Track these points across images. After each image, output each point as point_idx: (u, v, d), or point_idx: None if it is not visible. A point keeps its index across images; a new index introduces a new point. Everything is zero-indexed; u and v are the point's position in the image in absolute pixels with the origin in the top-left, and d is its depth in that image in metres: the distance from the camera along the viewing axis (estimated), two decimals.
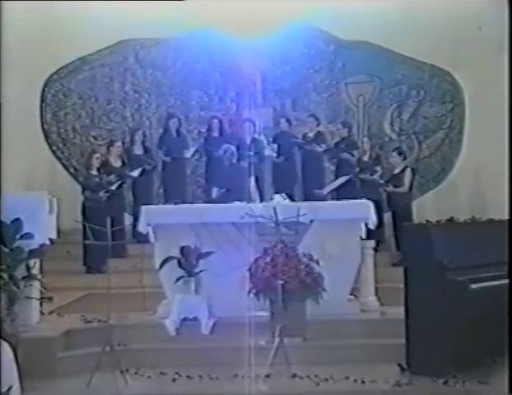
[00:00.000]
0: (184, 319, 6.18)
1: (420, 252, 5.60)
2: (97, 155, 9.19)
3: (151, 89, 10.41)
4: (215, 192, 8.84)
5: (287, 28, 10.17)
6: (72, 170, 10.31)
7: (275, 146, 9.76)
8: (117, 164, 9.36)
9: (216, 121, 9.96)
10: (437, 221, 5.83)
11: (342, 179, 9.35)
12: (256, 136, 9.73)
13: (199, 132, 10.35)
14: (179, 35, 10.29)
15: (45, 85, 10.26)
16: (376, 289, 6.70)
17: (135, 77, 10.42)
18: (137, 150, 9.59)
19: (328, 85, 10.48)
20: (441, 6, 9.67)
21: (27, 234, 5.99)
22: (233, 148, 8.83)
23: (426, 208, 9.66)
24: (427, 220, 5.94)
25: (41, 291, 6.31)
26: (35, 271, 6.15)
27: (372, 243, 6.74)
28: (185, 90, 10.45)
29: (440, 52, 10.05)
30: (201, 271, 6.22)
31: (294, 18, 10.16)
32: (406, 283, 5.65)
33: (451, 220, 5.91)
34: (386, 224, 8.95)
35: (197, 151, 9.96)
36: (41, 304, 6.36)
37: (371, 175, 9.26)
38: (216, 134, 9.93)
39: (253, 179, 8.45)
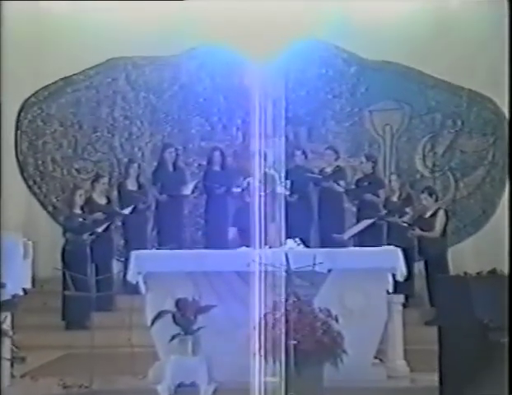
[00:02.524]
0: (180, 385, 6.20)
1: (457, 309, 5.62)
2: (80, 191, 9.32)
3: (145, 115, 10.57)
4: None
5: (302, 45, 10.41)
6: (50, 209, 10.41)
7: (288, 182, 9.85)
8: (101, 201, 9.49)
9: (218, 153, 10.11)
10: (477, 273, 5.86)
11: (365, 223, 9.41)
12: (266, 170, 9.82)
13: (199, 165, 10.50)
14: (177, 53, 10.52)
15: (21, 110, 10.42)
16: (405, 351, 6.72)
17: (126, 101, 10.58)
18: (131, 185, 9.73)
19: (350, 113, 10.64)
20: (480, 20, 9.84)
21: None
22: (238, 184, 8.95)
23: (464, 257, 9.69)
24: (465, 272, 5.96)
25: (12, 350, 6.35)
26: (6, 326, 6.19)
27: (401, 297, 6.77)
28: (183, 116, 10.62)
29: (480, 75, 10.18)
30: (199, 328, 6.26)
31: (309, 34, 10.40)
32: (440, 345, 5.66)
33: (493, 271, 5.94)
34: (417, 275, 8.98)
35: (196, 187, 10.07)
36: (12, 365, 6.39)
37: (400, 218, 9.33)
38: (217, 168, 10.07)
39: (262, 221, 8.51)
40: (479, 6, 9.81)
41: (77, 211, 9.14)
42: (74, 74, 10.48)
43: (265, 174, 9.72)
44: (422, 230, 9.20)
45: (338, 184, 9.90)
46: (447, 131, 10.47)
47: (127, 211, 9.35)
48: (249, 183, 9.28)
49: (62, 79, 10.48)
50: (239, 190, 9.10)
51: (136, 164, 9.89)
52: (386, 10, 10.38)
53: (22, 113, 10.43)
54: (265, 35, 10.06)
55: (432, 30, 10.15)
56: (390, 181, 9.87)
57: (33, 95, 10.45)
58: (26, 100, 10.41)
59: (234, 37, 10.23)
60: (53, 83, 10.46)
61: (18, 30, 9.61)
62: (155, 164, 10.20)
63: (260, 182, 9.41)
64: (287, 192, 9.78)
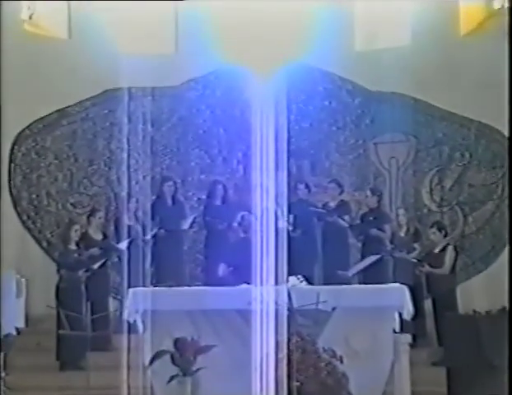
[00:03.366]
0: None
1: (466, 348, 5.66)
2: (76, 226, 9.39)
3: (143, 147, 10.62)
4: (222, 269, 8.96)
5: (304, 76, 10.57)
6: (45, 244, 10.40)
7: (290, 217, 9.93)
8: (97, 236, 9.56)
9: (219, 186, 10.23)
10: (487, 312, 5.92)
11: (370, 259, 9.46)
12: (267, 205, 9.89)
13: (198, 199, 10.57)
14: (176, 84, 10.67)
15: (15, 143, 10.46)
16: (413, 393, 6.72)
17: (123, 133, 10.63)
18: (128, 219, 9.82)
19: (354, 145, 10.71)
20: (490, 49, 9.94)
21: None
22: (239, 219, 9.03)
23: (474, 295, 9.66)
24: (475, 310, 6.02)
25: (5, 392, 6.36)
26: None
27: (408, 337, 6.80)
28: (183, 149, 10.71)
29: (490, 106, 10.21)
30: (199, 369, 6.28)
31: (312, 64, 10.57)
32: (449, 386, 5.70)
33: (504, 310, 5.98)
34: (425, 313, 8.98)
35: (195, 221, 10.14)
36: None
37: (407, 254, 9.38)
38: (218, 202, 10.17)
39: (263, 257, 8.57)
40: (488, 37, 9.91)
41: (72, 246, 9.21)
42: (70, 106, 10.56)
43: (267, 208, 9.81)
44: (431, 266, 9.24)
45: (343, 219, 9.96)
46: (455, 164, 10.49)
47: (123, 246, 9.42)
48: (243, 218, 9.39)
49: (57, 111, 10.54)
50: (235, 225, 9.17)
51: (133, 198, 9.98)
52: (392, 40, 10.51)
53: (16, 146, 10.45)
54: (267, 67, 10.22)
55: (440, 61, 10.25)
56: (397, 215, 9.92)
57: (27, 127, 10.48)
58: (20, 133, 10.44)
59: (234, 67, 10.45)
60: (47, 115, 10.51)
61: (11, 59, 9.76)
62: (153, 197, 10.26)
63: (262, 216, 9.50)
64: (290, 227, 9.87)
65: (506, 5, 9.70)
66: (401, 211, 9.93)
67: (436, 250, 9.39)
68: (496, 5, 10.04)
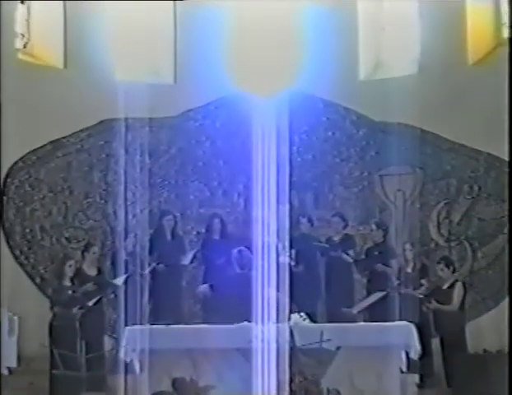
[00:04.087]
0: None
1: (476, 389, 5.67)
2: (70, 261, 9.45)
3: (140, 180, 10.66)
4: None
5: (307, 105, 10.68)
6: (38, 280, 10.39)
7: (292, 251, 9.95)
8: (92, 272, 9.62)
9: (217, 220, 10.30)
10: (498, 351, 5.93)
11: (376, 296, 9.50)
12: (269, 239, 9.93)
13: (198, 233, 10.62)
14: (174, 114, 10.79)
15: (8, 175, 10.48)
16: None
17: (120, 165, 10.69)
18: (125, 254, 9.87)
19: (359, 178, 10.79)
20: (499, 79, 9.98)
21: None
22: (236, 254, 9.10)
23: (484, 333, 9.64)
24: (485, 350, 6.04)
25: None
26: None
27: (415, 377, 6.81)
28: (181, 181, 10.80)
29: (498, 137, 10.23)
30: None
31: (314, 93, 10.68)
32: None
33: None
34: (433, 352, 8.97)
35: (195, 256, 10.17)
36: None
37: (414, 290, 9.40)
38: (217, 236, 10.26)
39: (264, 294, 8.60)
40: (497, 66, 9.98)
41: (67, 282, 9.26)
42: (65, 137, 10.63)
43: (268, 242, 9.85)
44: (439, 303, 9.25)
45: (347, 254, 10.01)
46: (463, 197, 10.52)
47: (120, 281, 9.46)
48: (240, 253, 9.45)
49: (51, 142, 10.59)
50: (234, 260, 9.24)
51: (131, 233, 10.06)
52: (398, 69, 10.67)
53: (9, 179, 10.47)
54: (269, 97, 10.38)
55: (448, 91, 10.34)
56: (403, 250, 9.95)
57: (20, 159, 10.50)
58: (13, 165, 10.47)
59: (234, 99, 10.61)
60: (41, 146, 10.56)
61: (4, 88, 9.85)
62: (151, 231, 10.33)
63: (263, 251, 9.54)
64: (292, 263, 9.89)
65: None
66: (407, 246, 9.97)
67: (444, 286, 9.42)
68: (505, 34, 10.16)
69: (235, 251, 9.78)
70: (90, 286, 9.28)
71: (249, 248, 9.71)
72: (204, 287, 9.89)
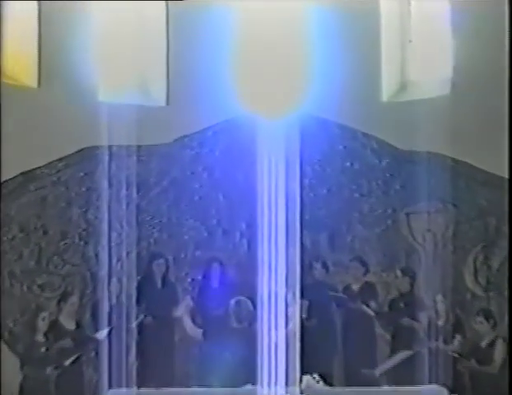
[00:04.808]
0: None
1: None
2: (44, 313, 9.52)
3: (126, 217, 10.73)
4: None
5: (321, 131, 10.87)
6: (6, 335, 10.35)
7: (304, 302, 10.01)
8: (70, 325, 9.72)
9: (216, 265, 10.46)
10: None
11: (402, 355, 9.59)
12: (276, 287, 9.97)
13: (193, 280, 10.71)
14: (167, 141, 10.96)
15: None
16: None
17: (102, 200, 10.76)
18: (108, 304, 9.99)
19: (381, 216, 10.92)
20: None
21: None
22: (233, 305, 9.23)
23: None
24: None
25: None
26: None
27: None
28: (174, 219, 10.91)
29: None
30: None
31: (329, 118, 10.87)
32: None
33: None
34: None
35: (189, 307, 10.25)
36: None
37: (447, 348, 9.47)
38: (216, 284, 10.41)
39: (271, 353, 8.70)
40: None
41: (40, 338, 9.32)
42: (38, 167, 10.72)
43: (275, 292, 9.92)
44: (476, 363, 9.31)
45: (368, 306, 10.12)
46: (504, 239, 10.49)
47: (102, 336, 9.51)
48: (239, 304, 9.56)
49: (23, 173, 10.67)
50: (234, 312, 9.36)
51: (115, 279, 10.13)
52: (427, 89, 10.87)
53: None
54: (277, 121, 10.56)
55: (484, 115, 10.43)
56: (434, 302, 10.03)
57: None
58: None
59: (236, 123, 10.83)
60: (11, 178, 10.60)
61: None
62: (139, 278, 10.42)
63: (269, 301, 9.63)
64: (303, 315, 9.95)
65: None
66: (439, 297, 10.04)
67: (483, 344, 9.50)
68: None
69: (232, 302, 9.90)
70: (67, 342, 9.34)
71: (253, 298, 9.81)
72: (200, 342, 9.95)
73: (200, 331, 10.01)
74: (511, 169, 8.88)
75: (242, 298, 9.84)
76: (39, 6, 10.71)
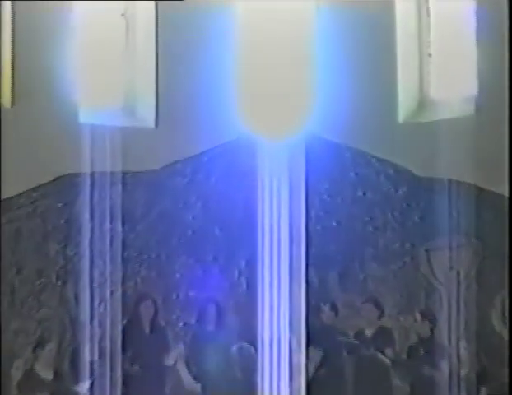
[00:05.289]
0: None
1: None
2: (18, 361, 9.52)
3: (110, 253, 10.73)
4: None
5: (329, 156, 10.92)
6: None
7: (310, 349, 10.02)
8: (46, 376, 9.71)
9: (212, 307, 10.48)
10: None
11: None
12: (279, 332, 9.98)
13: (185, 324, 10.71)
14: (156, 168, 11.03)
15: None
16: None
17: (83, 235, 10.77)
18: (90, 352, 9.99)
19: (398, 252, 10.94)
20: None
21: None
22: (239, 351, 9.24)
23: None
24: None
25: None
26: None
27: None
28: (164, 255, 10.93)
29: None
30: None
31: (339, 141, 10.93)
32: None
33: None
34: None
35: (182, 354, 10.25)
36: None
37: None
38: (211, 327, 10.44)
39: None
40: None
41: (13, 391, 9.33)
42: (11, 197, 10.71)
43: (278, 337, 9.94)
44: None
45: (383, 353, 10.12)
46: None
47: (83, 388, 9.51)
48: (241, 350, 9.58)
49: None
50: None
51: (95, 322, 10.12)
52: (448, 109, 10.92)
53: None
54: (279, 143, 10.69)
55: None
56: (457, 348, 10.05)
57: None
58: None
59: (234, 147, 10.92)
60: None
61: None
62: (124, 322, 10.43)
63: (271, 348, 9.65)
64: (310, 364, 9.95)
65: None
66: (462, 343, 10.05)
67: None
68: None
69: (233, 348, 9.92)
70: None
71: (253, 344, 9.83)
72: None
73: (198, 384, 10.03)
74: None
75: (245, 344, 9.84)
76: (13, 19, 10.77)
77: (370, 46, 10.98)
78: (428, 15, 11.17)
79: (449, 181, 10.72)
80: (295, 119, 10.66)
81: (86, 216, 10.83)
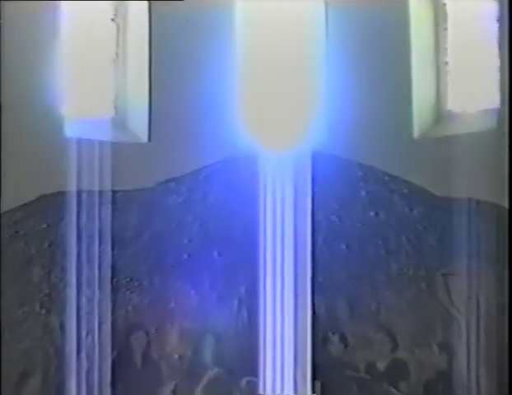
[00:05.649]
0: None
1: None
2: None
3: (99, 279, 10.69)
4: None
5: (338, 173, 11.03)
6: None
7: (317, 384, 10.04)
8: None
9: (209, 338, 10.50)
10: None
11: None
12: (283, 366, 10.01)
13: (180, 357, 10.69)
14: (149, 186, 11.15)
15: None
16: None
17: (69, 259, 10.77)
18: (78, 387, 10.02)
19: (414, 278, 10.94)
20: None
21: None
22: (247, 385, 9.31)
23: None
24: None
25: None
26: None
27: None
28: (158, 281, 10.94)
29: None
30: None
31: (348, 157, 11.04)
32: None
33: None
34: None
35: (176, 391, 10.28)
36: None
37: None
38: (208, 360, 10.45)
39: None
40: None
41: None
42: None
43: (282, 371, 9.97)
44: None
45: (397, 388, 10.13)
46: None
47: None
48: (249, 383, 9.62)
49: None
50: None
51: (83, 354, 10.14)
52: (467, 122, 11.01)
53: None
54: (283, 159, 10.73)
55: None
56: (477, 383, 10.05)
57: None
58: None
59: (233, 163, 11.02)
60: None
61: None
62: (114, 354, 10.43)
63: (273, 383, 9.68)
64: None
65: None
66: (483, 377, 10.06)
67: None
68: None
69: (233, 383, 9.95)
70: None
71: (255, 378, 9.86)
72: None
73: None
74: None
75: (245, 379, 9.88)
76: None
77: (382, 52, 11.07)
78: (445, 19, 11.21)
79: (469, 200, 10.77)
80: (301, 132, 10.69)
81: (73, 238, 10.85)
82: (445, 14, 11.24)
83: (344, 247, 11.07)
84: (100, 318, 10.69)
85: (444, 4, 11.35)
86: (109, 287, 10.75)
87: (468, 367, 10.57)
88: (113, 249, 10.90)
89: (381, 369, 10.38)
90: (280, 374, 10.00)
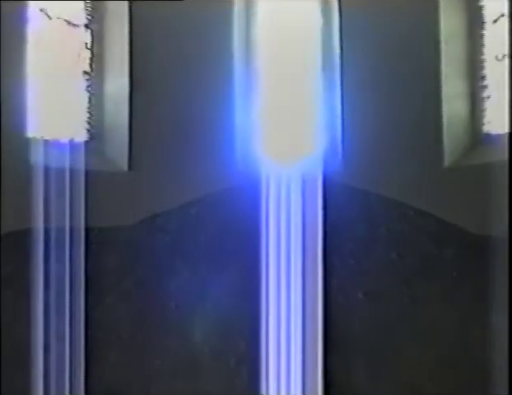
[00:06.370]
0: None
1: None
2: None
3: (70, 334, 10.69)
4: None
5: (353, 208, 11.14)
6: None
7: None
8: None
9: None
10: None
11: None
12: None
13: None
14: (130, 222, 11.16)
15: None
16: None
17: (35, 309, 10.70)
18: None
19: (444, 332, 10.92)
20: None
21: None
22: None
23: None
24: None
25: None
26: None
27: None
28: (141, 335, 11.00)
29: None
30: None
31: (369, 189, 11.15)
32: None
33: None
34: None
35: None
36: None
37: None
38: None
39: None
40: None
41: None
42: None
43: None
44: None
45: None
46: None
47: None
48: None
49: None
50: None
51: None
52: (502, 148, 10.80)
53: None
54: (288, 185, 10.91)
55: None
56: None
57: None
58: None
59: (228, 193, 11.10)
60: None
61: None
62: None
63: None
64: None
65: None
66: None
67: None
68: None
69: None
70: None
71: None
72: None
73: None
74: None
75: None
76: None
77: (407, 66, 11.12)
78: (482, 27, 11.29)
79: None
80: (311, 161, 10.76)
81: (39, 285, 10.82)
82: (482, 20, 11.28)
83: (361, 295, 11.13)
84: (71, 380, 10.76)
85: (481, 8, 11.43)
86: (82, 343, 10.79)
87: None
88: (86, 298, 10.90)
89: None
90: None
